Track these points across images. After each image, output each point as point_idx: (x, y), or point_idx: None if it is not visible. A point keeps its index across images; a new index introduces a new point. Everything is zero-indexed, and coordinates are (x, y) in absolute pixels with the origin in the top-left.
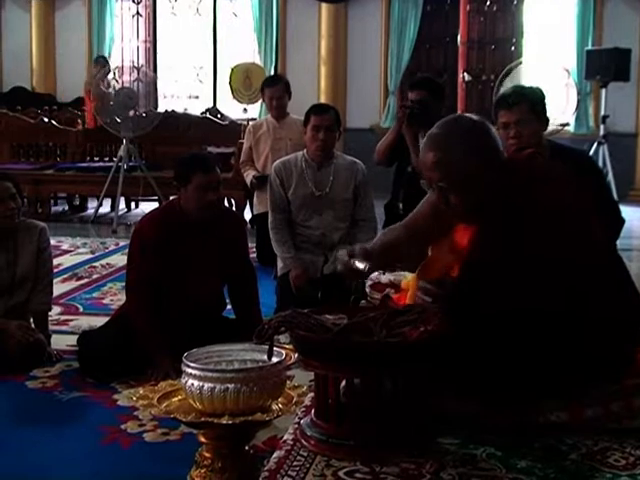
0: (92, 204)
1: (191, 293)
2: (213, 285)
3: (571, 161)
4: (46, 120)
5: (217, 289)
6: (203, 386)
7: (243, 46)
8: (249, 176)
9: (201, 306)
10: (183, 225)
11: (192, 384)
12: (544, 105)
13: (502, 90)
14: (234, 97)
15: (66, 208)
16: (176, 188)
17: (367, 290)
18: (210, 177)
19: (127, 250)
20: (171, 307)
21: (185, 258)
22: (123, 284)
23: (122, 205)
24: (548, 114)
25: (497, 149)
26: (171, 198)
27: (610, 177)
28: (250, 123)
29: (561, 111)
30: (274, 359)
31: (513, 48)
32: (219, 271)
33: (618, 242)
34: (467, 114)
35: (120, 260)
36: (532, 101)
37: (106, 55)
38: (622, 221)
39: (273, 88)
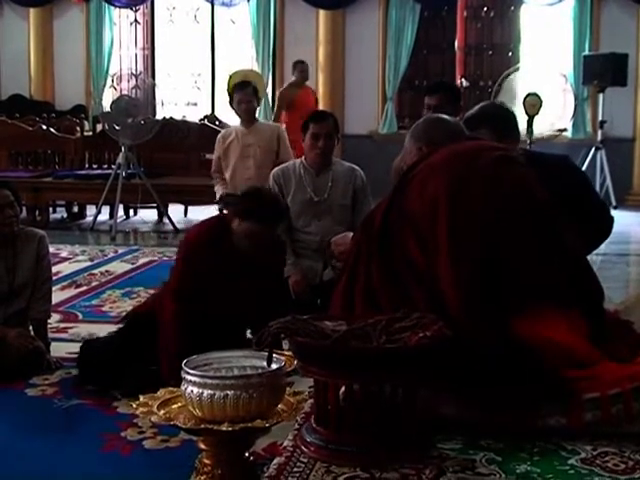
0: (91, 211)
1: (226, 320)
2: (248, 314)
3: (548, 166)
4: (44, 127)
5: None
6: (203, 393)
7: (241, 53)
8: (218, 191)
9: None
10: (233, 249)
11: (192, 391)
12: (507, 124)
13: (499, 97)
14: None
15: (65, 216)
16: (231, 213)
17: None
18: (266, 230)
19: (127, 256)
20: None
21: (229, 284)
22: (122, 291)
23: (121, 212)
24: (544, 120)
25: (441, 137)
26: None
27: (608, 182)
28: (220, 133)
29: (558, 116)
30: (274, 365)
31: (510, 54)
32: (256, 300)
33: (616, 247)
34: (444, 116)
35: (119, 267)
36: (492, 124)
37: (104, 63)
38: (611, 219)
39: (242, 92)
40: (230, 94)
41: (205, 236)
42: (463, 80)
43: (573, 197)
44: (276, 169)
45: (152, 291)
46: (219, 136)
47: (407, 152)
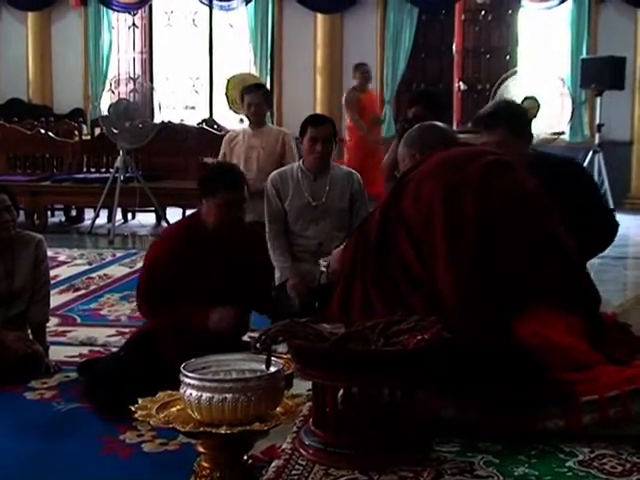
0: (89, 215)
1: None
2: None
3: (556, 168)
4: (43, 131)
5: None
6: (201, 396)
7: (239, 57)
8: None
9: (219, 332)
10: (205, 241)
11: (190, 394)
12: (523, 123)
13: (496, 98)
14: (230, 108)
15: (63, 219)
16: (198, 198)
17: None
18: (235, 195)
19: (125, 260)
20: (188, 331)
21: (204, 277)
22: (120, 295)
23: (119, 216)
24: (542, 124)
25: (434, 144)
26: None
27: (605, 185)
28: (228, 133)
29: (556, 120)
30: (272, 369)
31: (508, 57)
32: (237, 294)
33: (614, 250)
34: (437, 123)
35: (117, 271)
36: (510, 123)
37: (102, 67)
38: (616, 224)
39: (252, 94)
40: (241, 97)
41: (174, 232)
42: (461, 83)
43: (578, 199)
44: (274, 173)
45: None
46: (226, 136)
47: (400, 159)
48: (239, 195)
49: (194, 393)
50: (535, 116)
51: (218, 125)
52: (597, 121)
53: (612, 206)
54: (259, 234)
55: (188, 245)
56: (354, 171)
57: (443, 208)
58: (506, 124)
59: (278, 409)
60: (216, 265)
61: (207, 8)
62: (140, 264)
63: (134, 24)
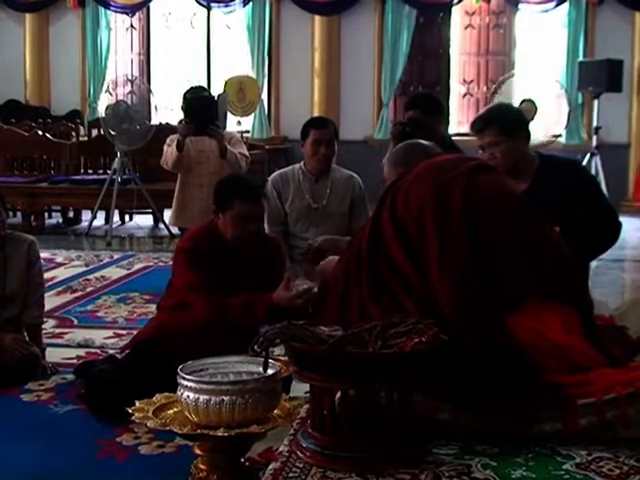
0: (86, 217)
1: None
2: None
3: (560, 169)
4: (40, 133)
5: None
6: (199, 398)
7: (236, 59)
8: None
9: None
10: (222, 250)
11: (188, 396)
12: (517, 123)
13: (494, 102)
14: (228, 109)
15: (60, 221)
16: (214, 212)
17: None
18: (253, 207)
19: (123, 261)
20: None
21: (220, 285)
22: (118, 297)
23: (116, 218)
24: (539, 126)
25: (414, 160)
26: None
27: (603, 188)
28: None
29: (554, 122)
30: (269, 371)
31: (506, 60)
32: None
33: (611, 253)
34: (421, 141)
35: (115, 273)
36: (500, 124)
37: (100, 68)
38: (619, 225)
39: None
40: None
41: (195, 233)
42: (459, 86)
43: (585, 199)
44: (274, 174)
45: (147, 296)
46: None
47: (387, 178)
48: (258, 207)
49: (191, 395)
50: (532, 119)
51: None
52: (594, 124)
53: None
54: (279, 247)
55: (209, 248)
56: (354, 175)
57: (433, 208)
58: (496, 125)
59: (275, 411)
60: (233, 276)
61: (205, 10)
62: (137, 266)
63: (132, 25)
